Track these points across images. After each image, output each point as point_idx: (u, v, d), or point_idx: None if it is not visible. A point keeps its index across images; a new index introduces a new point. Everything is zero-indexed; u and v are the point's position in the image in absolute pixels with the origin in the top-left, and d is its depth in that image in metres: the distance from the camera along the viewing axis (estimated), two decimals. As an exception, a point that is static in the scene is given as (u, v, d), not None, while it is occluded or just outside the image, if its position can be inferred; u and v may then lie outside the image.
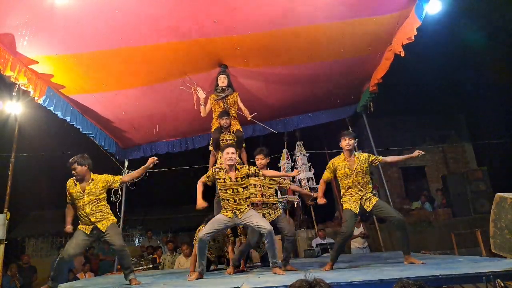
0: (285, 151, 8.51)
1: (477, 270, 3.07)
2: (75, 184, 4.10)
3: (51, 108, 5.46)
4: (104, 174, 4.26)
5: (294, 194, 8.14)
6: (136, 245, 13.53)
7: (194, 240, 5.07)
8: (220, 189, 4.22)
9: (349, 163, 4.23)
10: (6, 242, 4.93)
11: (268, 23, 4.85)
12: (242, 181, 4.14)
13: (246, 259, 5.07)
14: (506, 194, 3.51)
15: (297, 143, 8.59)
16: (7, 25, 4.23)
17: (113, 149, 7.41)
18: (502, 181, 8.13)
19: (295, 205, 8.17)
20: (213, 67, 5.81)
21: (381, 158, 4.32)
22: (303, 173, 8.18)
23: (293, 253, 7.88)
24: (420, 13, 4.57)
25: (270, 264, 4.10)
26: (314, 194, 6.74)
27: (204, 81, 5.92)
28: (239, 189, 4.12)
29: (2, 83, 5.21)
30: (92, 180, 4.13)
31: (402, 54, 5.18)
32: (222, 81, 5.61)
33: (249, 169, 4.22)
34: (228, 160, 4.15)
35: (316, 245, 7.33)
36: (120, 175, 7.77)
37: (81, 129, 6.25)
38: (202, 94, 5.76)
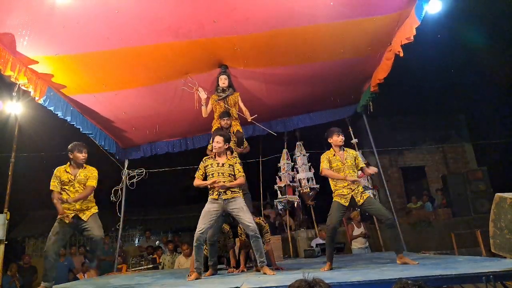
0: (285, 151, 8.53)
1: (477, 270, 3.07)
2: (66, 172, 4.34)
3: (52, 108, 5.47)
4: (95, 172, 4.50)
5: (294, 193, 8.15)
6: (136, 245, 13.53)
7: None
8: (208, 176, 4.31)
9: (340, 157, 4.31)
10: (6, 242, 4.93)
11: (268, 23, 4.84)
12: (229, 167, 4.30)
13: (246, 259, 5.07)
14: (506, 194, 3.52)
15: (297, 143, 8.60)
16: (7, 25, 4.22)
17: (113, 149, 7.41)
18: (502, 181, 8.12)
19: (295, 205, 8.17)
20: (213, 68, 5.81)
21: (363, 165, 4.40)
22: (303, 173, 8.19)
23: (293, 253, 7.88)
24: (420, 13, 4.56)
25: (258, 264, 4.09)
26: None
27: (205, 82, 5.92)
28: (224, 174, 4.25)
29: (2, 83, 5.22)
30: (85, 168, 4.45)
31: (401, 55, 5.18)
32: (223, 81, 5.62)
33: (236, 161, 4.42)
34: (214, 148, 4.36)
35: (316, 245, 7.32)
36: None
37: (81, 129, 6.25)
38: (203, 95, 5.76)
